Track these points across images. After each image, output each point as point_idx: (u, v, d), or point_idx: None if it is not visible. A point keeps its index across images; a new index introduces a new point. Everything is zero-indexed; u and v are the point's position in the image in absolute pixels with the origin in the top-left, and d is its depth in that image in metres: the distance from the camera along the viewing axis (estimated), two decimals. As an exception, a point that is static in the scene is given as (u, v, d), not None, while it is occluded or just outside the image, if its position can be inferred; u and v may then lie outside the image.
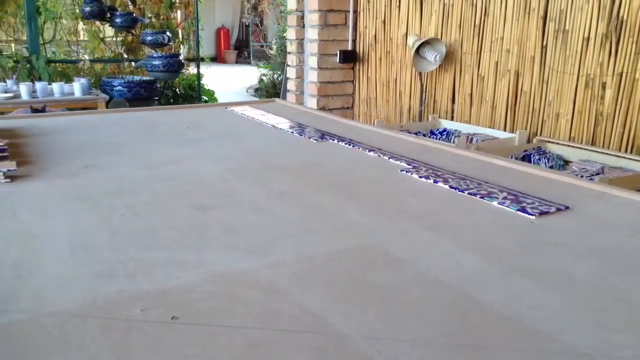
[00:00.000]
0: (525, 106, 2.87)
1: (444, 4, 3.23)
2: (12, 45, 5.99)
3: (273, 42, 10.16)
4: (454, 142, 2.76)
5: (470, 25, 3.10)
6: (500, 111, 3.00)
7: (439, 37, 3.26)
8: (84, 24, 6.24)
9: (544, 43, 2.73)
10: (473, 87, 3.13)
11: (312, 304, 0.76)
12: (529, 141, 2.81)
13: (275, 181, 1.34)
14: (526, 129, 2.86)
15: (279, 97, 4.77)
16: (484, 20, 3.02)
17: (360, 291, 0.81)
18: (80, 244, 0.94)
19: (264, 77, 8.97)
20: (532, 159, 2.60)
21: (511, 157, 2.36)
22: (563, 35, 2.64)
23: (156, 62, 5.37)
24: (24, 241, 0.94)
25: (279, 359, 0.64)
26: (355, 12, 3.82)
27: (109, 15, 5.40)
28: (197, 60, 6.49)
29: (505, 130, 2.96)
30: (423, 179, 1.35)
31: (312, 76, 3.91)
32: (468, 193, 1.24)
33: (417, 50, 3.23)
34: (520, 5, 2.82)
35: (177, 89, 6.53)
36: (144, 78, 5.57)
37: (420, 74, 3.39)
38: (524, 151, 2.66)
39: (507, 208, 1.15)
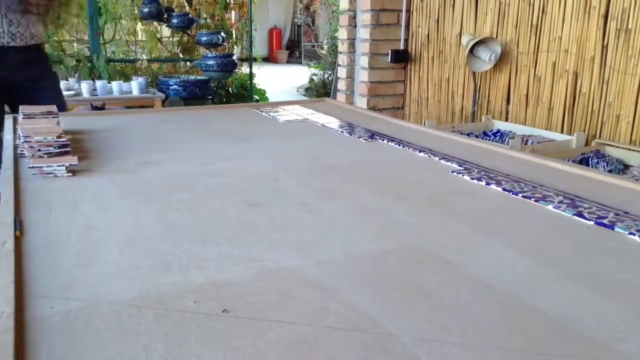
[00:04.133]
0: (584, 108, 2.77)
1: (499, 2, 3.16)
2: (75, 44, 6.24)
3: (324, 42, 10.19)
4: (507, 144, 2.69)
5: (527, 24, 3.02)
6: (557, 113, 2.91)
7: (494, 36, 3.19)
8: (142, 25, 6.44)
9: (605, 43, 2.64)
10: (529, 88, 3.05)
11: (359, 302, 0.76)
12: (587, 144, 2.71)
13: (324, 180, 1.34)
14: (584, 131, 2.76)
15: (329, 96, 4.78)
16: (542, 19, 2.93)
17: (408, 292, 0.80)
18: (136, 237, 0.97)
19: (314, 77, 9.02)
20: (590, 163, 2.52)
21: (568, 160, 2.29)
22: (625, 35, 2.54)
23: (210, 62, 5.49)
24: (84, 233, 0.98)
25: (327, 355, 0.64)
26: (408, 11, 3.79)
27: (166, 16, 5.56)
28: (250, 60, 6.59)
29: (562, 132, 2.87)
30: (475, 181, 1.33)
31: (362, 76, 3.90)
32: (522, 196, 1.22)
33: (471, 50, 3.17)
34: (580, 4, 2.72)
35: (230, 88, 6.65)
36: (199, 77, 5.70)
37: (473, 73, 3.33)
38: (582, 154, 2.57)
39: (562, 212, 1.12)
